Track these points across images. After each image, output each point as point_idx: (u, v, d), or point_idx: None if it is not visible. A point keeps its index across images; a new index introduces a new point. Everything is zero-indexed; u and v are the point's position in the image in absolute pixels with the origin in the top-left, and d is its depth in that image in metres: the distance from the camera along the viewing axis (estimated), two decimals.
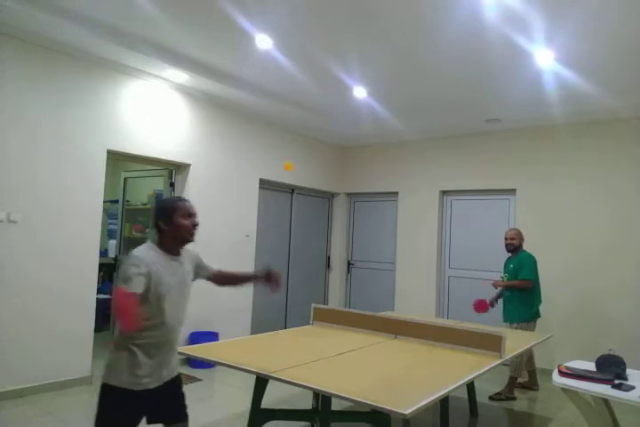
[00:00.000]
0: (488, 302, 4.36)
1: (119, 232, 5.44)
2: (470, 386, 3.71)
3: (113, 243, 6.18)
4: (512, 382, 4.15)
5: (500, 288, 4.41)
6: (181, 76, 4.33)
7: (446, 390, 2.15)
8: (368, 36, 3.37)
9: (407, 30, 3.25)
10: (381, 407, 1.90)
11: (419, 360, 2.74)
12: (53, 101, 3.79)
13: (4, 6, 3.09)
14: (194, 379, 4.28)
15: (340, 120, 5.57)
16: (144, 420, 1.97)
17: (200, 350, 2.70)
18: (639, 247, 4.72)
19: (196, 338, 4.62)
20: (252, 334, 5.31)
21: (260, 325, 5.45)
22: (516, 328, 4.11)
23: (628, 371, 2.75)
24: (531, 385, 4.45)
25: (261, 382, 2.87)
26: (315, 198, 6.69)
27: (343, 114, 5.32)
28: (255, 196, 5.56)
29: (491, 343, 2.87)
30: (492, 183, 5.68)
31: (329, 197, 6.96)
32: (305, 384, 2.16)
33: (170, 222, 1.98)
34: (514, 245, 4.33)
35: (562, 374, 2.75)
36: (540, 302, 4.29)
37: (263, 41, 3.50)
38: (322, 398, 2.55)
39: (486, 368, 2.58)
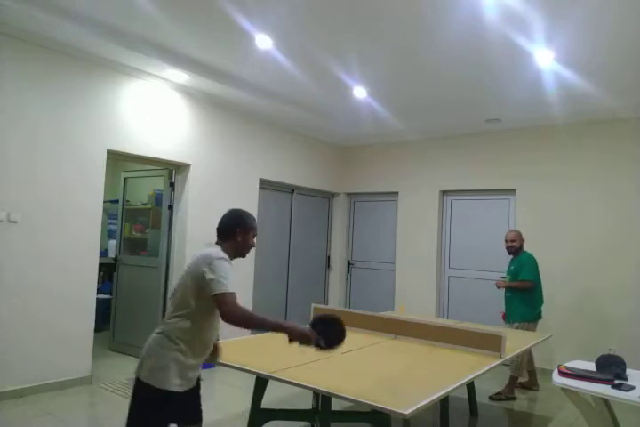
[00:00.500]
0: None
1: (119, 232, 5.43)
2: (470, 386, 3.71)
3: (113, 243, 6.18)
4: (513, 382, 4.15)
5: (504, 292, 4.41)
6: (181, 76, 4.33)
7: (446, 390, 2.15)
8: (368, 36, 3.37)
9: (407, 30, 3.25)
10: (381, 407, 1.90)
11: (419, 360, 2.74)
12: (53, 101, 3.79)
13: (3, 6, 3.09)
14: None
15: (339, 120, 5.57)
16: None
17: None
18: (639, 247, 4.72)
19: None
20: (251, 334, 5.30)
21: None
22: (517, 328, 4.11)
23: (628, 371, 2.75)
24: (531, 385, 4.45)
25: (261, 382, 2.87)
26: (315, 198, 6.69)
27: (343, 114, 5.32)
28: (255, 196, 5.56)
29: (491, 343, 2.87)
30: (492, 183, 5.67)
31: (329, 197, 6.96)
32: (305, 384, 2.16)
33: (244, 235, 2.11)
34: (515, 248, 4.33)
35: (562, 374, 2.75)
36: (542, 302, 4.29)
37: (263, 41, 3.50)
38: (322, 398, 2.55)
39: (486, 368, 2.58)
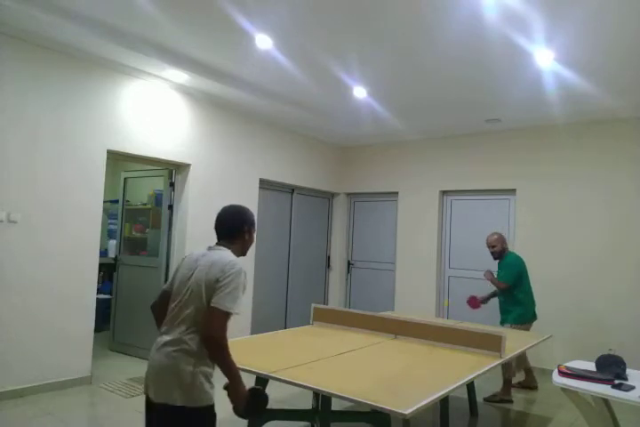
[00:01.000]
0: (479, 298, 4.35)
1: (119, 232, 5.43)
2: (470, 386, 3.71)
3: (113, 243, 6.18)
4: (507, 385, 4.11)
5: (493, 289, 4.39)
6: (181, 76, 4.33)
7: (446, 390, 2.15)
8: (368, 36, 3.37)
9: (407, 30, 3.25)
10: (381, 407, 1.90)
11: (419, 360, 2.74)
12: (53, 101, 3.79)
13: (3, 6, 3.09)
14: None
15: (339, 120, 5.57)
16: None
17: None
18: (639, 247, 4.72)
19: None
20: (251, 334, 5.30)
21: (260, 325, 5.45)
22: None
23: (628, 371, 2.75)
24: (529, 384, 4.43)
25: (261, 382, 2.86)
26: (315, 198, 6.69)
27: (343, 114, 5.32)
28: (255, 196, 5.56)
29: (491, 343, 2.88)
30: (492, 183, 5.67)
31: (329, 197, 6.96)
32: (305, 384, 2.16)
33: (251, 233, 2.05)
34: (497, 252, 4.28)
35: (562, 374, 2.75)
36: (533, 303, 4.26)
37: (263, 41, 3.50)
38: (322, 398, 2.55)
39: (486, 368, 2.59)
